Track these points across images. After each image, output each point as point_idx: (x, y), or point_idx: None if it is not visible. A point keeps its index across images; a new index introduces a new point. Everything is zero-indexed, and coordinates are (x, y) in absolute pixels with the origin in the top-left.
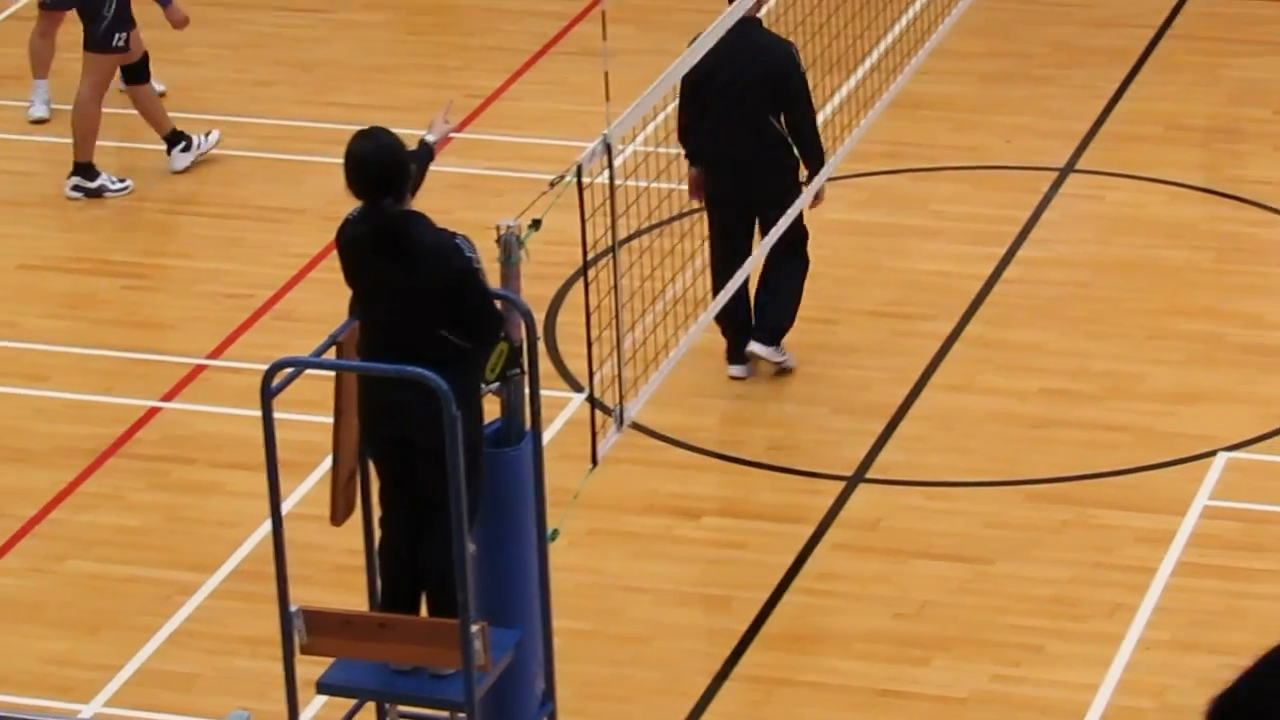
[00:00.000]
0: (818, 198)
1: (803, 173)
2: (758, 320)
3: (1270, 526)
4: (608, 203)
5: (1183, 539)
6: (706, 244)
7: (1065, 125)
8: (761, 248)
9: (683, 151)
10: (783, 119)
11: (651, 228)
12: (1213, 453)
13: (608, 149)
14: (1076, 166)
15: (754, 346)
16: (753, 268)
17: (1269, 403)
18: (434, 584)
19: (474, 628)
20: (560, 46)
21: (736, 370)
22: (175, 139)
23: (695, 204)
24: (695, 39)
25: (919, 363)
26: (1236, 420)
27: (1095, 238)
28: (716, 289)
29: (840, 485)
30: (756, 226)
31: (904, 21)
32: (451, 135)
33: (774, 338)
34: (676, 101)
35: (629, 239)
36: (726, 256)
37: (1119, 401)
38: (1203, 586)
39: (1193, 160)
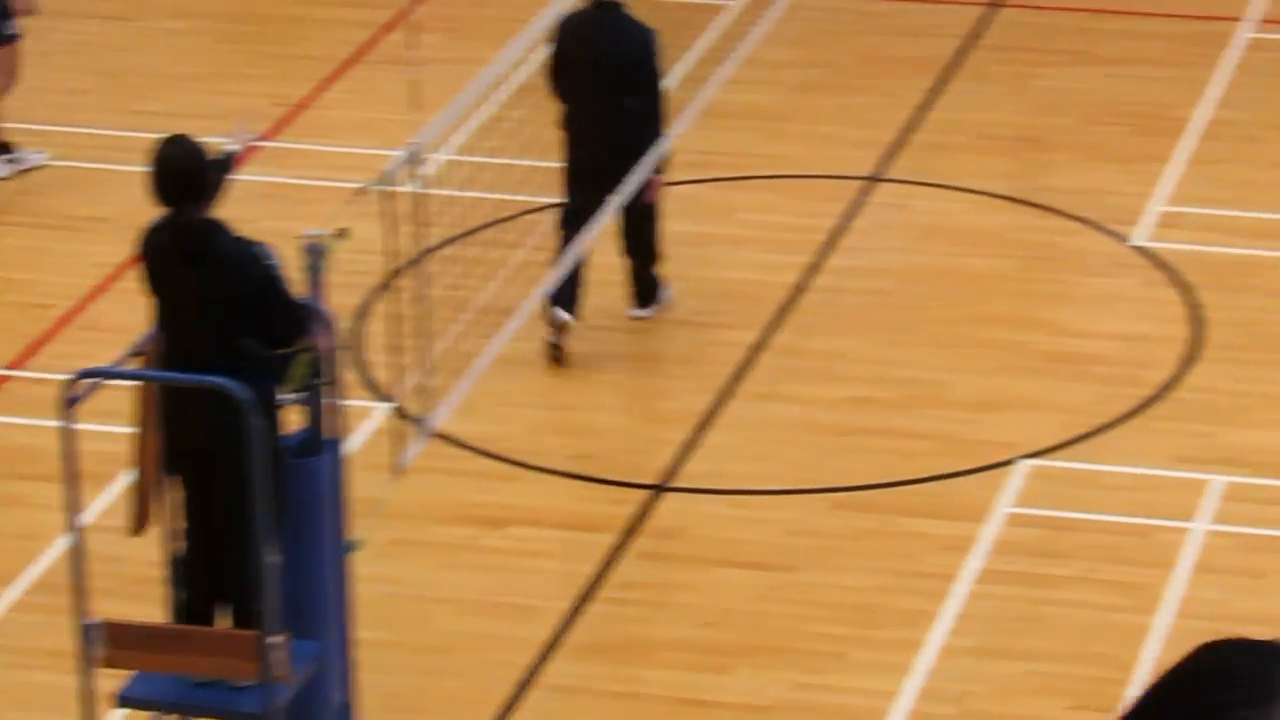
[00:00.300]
0: (652, 189)
1: None
2: (633, 289)
3: (1070, 533)
4: (415, 212)
5: (984, 546)
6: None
7: (873, 134)
8: (602, 220)
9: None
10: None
11: (458, 237)
12: (1015, 460)
13: (415, 158)
14: (884, 175)
15: (635, 312)
16: (587, 249)
17: (1070, 410)
18: (235, 595)
19: (274, 639)
20: (370, 55)
21: (561, 314)
22: (1, 149)
23: (504, 212)
24: (562, 23)
25: (725, 371)
26: (1038, 428)
27: (902, 246)
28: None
29: (645, 494)
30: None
31: (714, 32)
32: (256, 144)
33: (648, 299)
34: (489, 111)
35: (436, 248)
36: (575, 235)
37: (923, 409)
38: (1004, 593)
39: (999, 169)
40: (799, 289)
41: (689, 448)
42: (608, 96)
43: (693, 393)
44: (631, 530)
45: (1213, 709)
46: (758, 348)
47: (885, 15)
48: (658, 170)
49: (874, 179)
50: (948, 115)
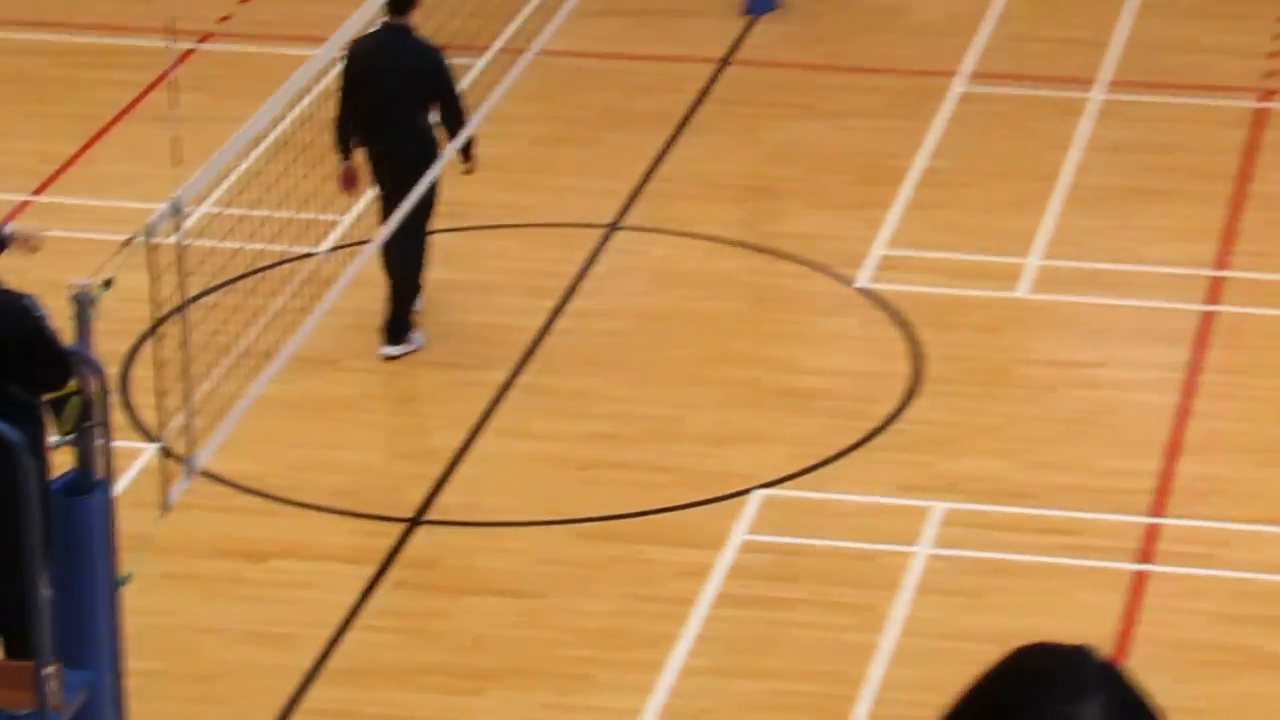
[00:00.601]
0: (472, 162)
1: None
2: (387, 325)
3: (802, 558)
4: (178, 262)
5: (721, 571)
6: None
7: (611, 184)
8: (384, 229)
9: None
10: (433, 111)
11: (220, 285)
12: (749, 490)
13: (177, 211)
14: (621, 224)
15: (385, 350)
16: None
17: (800, 442)
18: (9, 628)
19: (48, 669)
20: (135, 113)
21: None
22: None
23: (262, 261)
24: (353, 43)
25: (476, 409)
26: (771, 459)
27: (639, 290)
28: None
29: (401, 527)
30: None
31: (460, 86)
32: (30, 240)
33: (399, 338)
34: (248, 165)
35: (199, 296)
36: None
37: (662, 444)
38: (740, 616)
39: (730, 217)
40: (544, 331)
41: (442, 482)
42: (400, 111)
43: (445, 430)
44: (388, 561)
45: (1033, 704)
46: (506, 387)
47: (621, 72)
48: (468, 155)
49: (612, 227)
50: (681, 166)
